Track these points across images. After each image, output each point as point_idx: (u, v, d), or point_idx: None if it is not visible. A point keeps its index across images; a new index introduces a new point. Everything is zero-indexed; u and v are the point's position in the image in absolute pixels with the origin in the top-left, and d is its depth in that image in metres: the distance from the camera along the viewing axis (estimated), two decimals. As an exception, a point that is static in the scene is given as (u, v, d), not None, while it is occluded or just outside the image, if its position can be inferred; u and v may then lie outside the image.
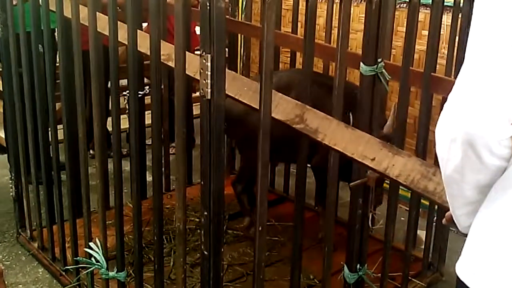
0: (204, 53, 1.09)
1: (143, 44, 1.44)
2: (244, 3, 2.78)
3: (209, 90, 1.10)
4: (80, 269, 1.83)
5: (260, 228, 1.29)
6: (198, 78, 1.12)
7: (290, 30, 2.40)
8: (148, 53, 1.38)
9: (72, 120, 1.84)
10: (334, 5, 2.33)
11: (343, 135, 1.29)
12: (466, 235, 0.86)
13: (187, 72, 1.26)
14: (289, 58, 2.53)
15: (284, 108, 1.31)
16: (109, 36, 1.48)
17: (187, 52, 1.25)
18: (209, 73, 1.09)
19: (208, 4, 1.06)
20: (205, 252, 1.24)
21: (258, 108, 1.20)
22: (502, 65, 0.69)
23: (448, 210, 0.88)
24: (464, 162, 0.74)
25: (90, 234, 1.76)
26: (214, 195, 1.20)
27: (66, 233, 1.95)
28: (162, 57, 1.38)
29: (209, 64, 1.09)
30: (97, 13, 1.54)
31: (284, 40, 2.19)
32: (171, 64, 1.41)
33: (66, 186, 1.90)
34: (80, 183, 1.81)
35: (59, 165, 1.97)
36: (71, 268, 1.91)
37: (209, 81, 1.10)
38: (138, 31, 1.45)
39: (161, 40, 1.40)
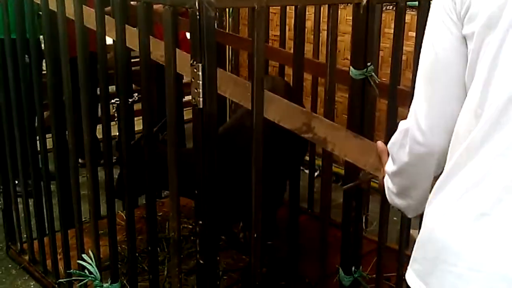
0: (195, 62, 1.09)
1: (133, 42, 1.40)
2: (231, 8, 2.78)
3: (201, 99, 1.10)
4: (73, 281, 1.81)
5: (255, 235, 1.29)
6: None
7: (278, 33, 2.41)
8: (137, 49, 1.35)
9: (61, 129, 1.81)
10: (322, 8, 2.34)
11: (352, 146, 1.25)
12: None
13: (180, 71, 1.24)
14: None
15: (290, 115, 1.25)
16: (98, 43, 1.46)
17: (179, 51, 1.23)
18: (200, 82, 1.09)
19: (197, 13, 1.05)
20: (201, 261, 1.24)
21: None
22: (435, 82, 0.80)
23: None
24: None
25: (82, 245, 1.73)
26: (209, 204, 1.20)
27: (57, 244, 1.92)
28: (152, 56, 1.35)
29: (200, 73, 1.08)
30: (84, 6, 1.51)
31: (273, 54, 2.19)
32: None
33: (57, 196, 1.88)
34: (70, 193, 1.79)
35: (49, 175, 1.95)
36: (64, 281, 1.89)
37: (201, 90, 1.10)
38: (127, 26, 1.41)
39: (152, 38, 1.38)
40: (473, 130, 0.71)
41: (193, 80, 1.11)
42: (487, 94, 0.70)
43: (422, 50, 0.82)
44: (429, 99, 0.80)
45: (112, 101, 2.18)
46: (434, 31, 0.80)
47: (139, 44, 1.34)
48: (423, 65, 0.82)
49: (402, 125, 0.86)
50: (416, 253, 0.79)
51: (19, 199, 2.12)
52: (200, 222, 1.21)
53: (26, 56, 1.88)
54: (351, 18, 2.40)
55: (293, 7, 1.37)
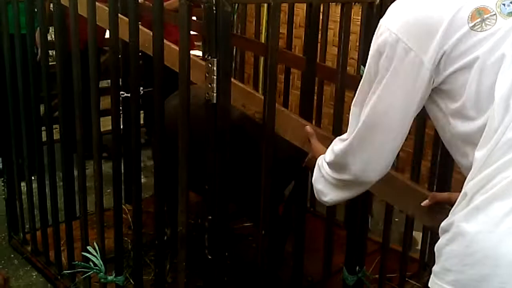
0: (209, 57, 1.09)
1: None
2: (237, 5, 2.77)
3: (215, 94, 1.10)
4: (76, 273, 1.81)
5: (263, 232, 1.30)
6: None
7: (285, 31, 2.40)
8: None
9: (68, 120, 1.81)
10: (330, 7, 2.34)
11: None
12: None
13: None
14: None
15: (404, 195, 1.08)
16: (110, 34, 1.46)
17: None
18: (215, 77, 1.09)
19: (214, 8, 1.05)
20: (209, 257, 1.24)
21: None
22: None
23: None
24: None
25: (87, 237, 1.74)
26: (219, 199, 1.20)
27: (60, 235, 1.92)
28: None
29: (215, 68, 1.08)
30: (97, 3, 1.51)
31: (279, 56, 2.17)
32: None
33: (62, 187, 1.87)
34: (74, 184, 1.79)
35: (54, 166, 1.94)
36: (67, 272, 1.89)
37: (215, 85, 1.10)
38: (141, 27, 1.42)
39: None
40: (500, 139, 0.71)
41: (207, 75, 1.11)
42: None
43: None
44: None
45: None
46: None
47: (152, 38, 1.34)
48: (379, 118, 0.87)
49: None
50: (452, 264, 0.73)
51: (22, 189, 2.12)
52: (210, 217, 1.21)
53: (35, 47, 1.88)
54: (358, 18, 2.39)
55: (300, 4, 1.36)
